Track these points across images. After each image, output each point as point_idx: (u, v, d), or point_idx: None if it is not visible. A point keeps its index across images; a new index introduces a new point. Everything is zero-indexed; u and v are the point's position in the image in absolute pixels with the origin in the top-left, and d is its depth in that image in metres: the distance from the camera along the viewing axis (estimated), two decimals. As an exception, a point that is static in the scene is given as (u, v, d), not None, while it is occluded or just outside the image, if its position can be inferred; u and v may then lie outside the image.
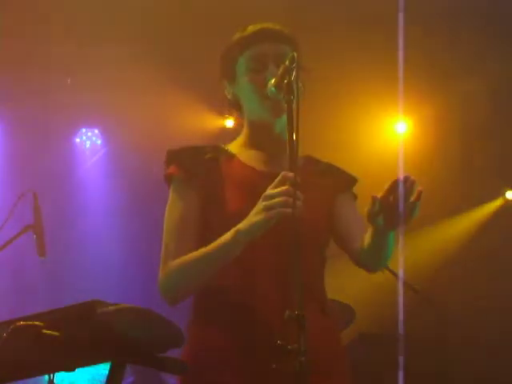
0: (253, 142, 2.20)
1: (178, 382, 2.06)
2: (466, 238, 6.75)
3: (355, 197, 2.29)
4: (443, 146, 6.25)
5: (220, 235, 1.97)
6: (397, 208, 1.86)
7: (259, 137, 2.19)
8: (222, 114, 2.39)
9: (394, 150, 6.09)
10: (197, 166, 2.12)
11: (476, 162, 6.21)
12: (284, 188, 1.86)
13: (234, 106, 2.25)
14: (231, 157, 2.17)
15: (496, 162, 6.20)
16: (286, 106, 1.92)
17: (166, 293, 2.04)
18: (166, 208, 2.13)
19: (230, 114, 2.30)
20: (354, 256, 2.15)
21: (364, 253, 2.07)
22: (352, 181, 2.29)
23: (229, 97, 2.23)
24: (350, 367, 2.12)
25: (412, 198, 1.85)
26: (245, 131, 2.24)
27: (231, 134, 2.30)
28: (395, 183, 1.85)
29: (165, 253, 2.07)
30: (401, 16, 5.08)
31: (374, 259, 2.10)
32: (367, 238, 2.03)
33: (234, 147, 2.22)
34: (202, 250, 1.99)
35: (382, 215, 1.89)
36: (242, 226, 1.92)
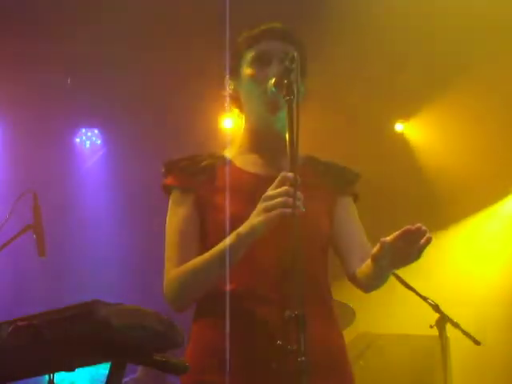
0: (250, 144, 2.20)
1: (179, 382, 2.07)
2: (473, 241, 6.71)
3: (356, 197, 2.28)
4: (443, 145, 6.25)
5: (220, 241, 1.97)
6: (403, 251, 1.84)
7: (257, 137, 2.18)
8: (223, 113, 2.41)
9: (394, 149, 6.10)
10: (194, 175, 2.14)
11: (478, 161, 6.20)
12: (284, 188, 1.86)
13: (235, 103, 2.25)
14: (228, 163, 2.17)
15: (498, 161, 6.20)
16: (283, 102, 1.93)
17: (171, 300, 2.04)
18: (167, 218, 2.15)
19: (230, 112, 2.30)
20: (348, 274, 2.14)
21: (360, 278, 2.08)
22: (353, 178, 2.27)
23: (230, 93, 2.24)
24: (352, 368, 2.12)
25: (421, 242, 1.82)
26: (242, 132, 2.23)
27: (230, 135, 2.30)
28: (406, 232, 1.82)
29: (168, 261, 2.08)
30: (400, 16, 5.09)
31: (370, 285, 2.09)
32: (366, 269, 2.02)
33: (230, 152, 2.22)
34: (205, 256, 2.00)
35: (387, 256, 1.87)
36: (242, 228, 1.92)
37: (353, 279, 2.13)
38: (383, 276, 2.01)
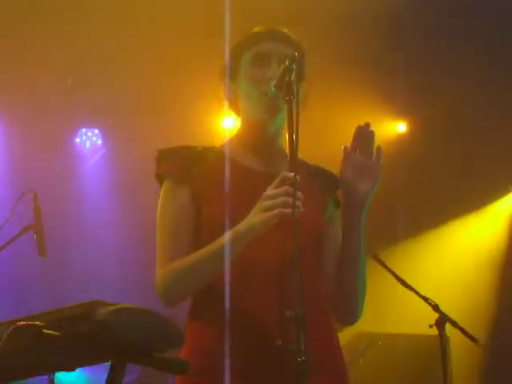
0: (246, 145, 2.18)
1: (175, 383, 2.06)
2: (476, 238, 6.72)
3: (340, 204, 2.28)
4: (444, 145, 6.25)
5: (213, 235, 1.96)
6: (364, 166, 2.06)
7: (252, 139, 2.17)
8: (223, 114, 2.41)
9: (394, 149, 6.09)
10: (189, 165, 2.11)
11: (477, 160, 6.21)
12: (284, 188, 1.86)
13: (233, 104, 2.24)
14: (223, 156, 2.15)
15: (498, 160, 6.20)
16: (282, 104, 1.93)
17: (164, 295, 2.03)
18: (158, 208, 2.11)
19: (229, 113, 2.29)
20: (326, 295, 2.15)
21: (337, 279, 2.12)
22: (338, 184, 2.28)
23: (228, 94, 2.22)
24: (348, 367, 2.12)
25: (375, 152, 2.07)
26: (238, 132, 2.22)
27: (230, 135, 2.29)
28: (358, 131, 2.06)
29: (161, 255, 2.06)
30: (400, 17, 5.09)
31: (348, 279, 2.11)
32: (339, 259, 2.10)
33: (226, 148, 2.20)
34: (201, 252, 1.99)
35: (352, 176, 2.05)
36: (240, 226, 1.91)
37: (333, 296, 2.13)
38: (356, 235, 2.08)
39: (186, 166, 2.11)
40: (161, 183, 2.15)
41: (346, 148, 2.07)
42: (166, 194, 2.12)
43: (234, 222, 1.94)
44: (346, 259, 2.11)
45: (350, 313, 2.16)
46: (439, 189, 6.38)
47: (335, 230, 2.21)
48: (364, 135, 2.08)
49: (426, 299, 3.97)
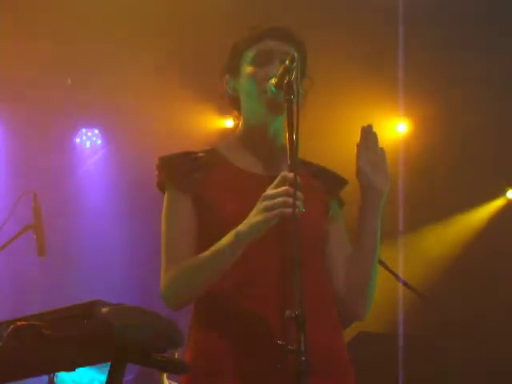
0: (246, 145, 2.18)
1: None
2: (468, 238, 6.75)
3: (343, 203, 2.28)
4: (443, 145, 6.26)
5: (217, 239, 1.96)
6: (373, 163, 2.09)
7: (252, 140, 2.16)
8: (223, 113, 2.40)
9: (394, 150, 6.10)
10: (189, 172, 2.11)
11: (476, 161, 6.21)
12: (284, 188, 1.86)
13: (234, 103, 2.23)
14: (224, 160, 2.15)
15: (496, 161, 6.21)
16: (284, 104, 1.93)
17: (169, 299, 2.04)
18: (162, 215, 2.12)
19: (230, 112, 2.29)
20: (337, 296, 2.14)
21: (350, 274, 2.12)
22: (343, 184, 2.28)
23: (229, 92, 2.21)
24: (352, 367, 2.11)
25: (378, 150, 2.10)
26: (239, 132, 2.21)
27: (230, 135, 2.29)
28: (363, 131, 2.10)
29: (165, 260, 2.07)
30: (401, 16, 5.09)
31: (358, 278, 2.11)
32: (352, 253, 2.12)
33: (226, 149, 2.20)
34: (203, 254, 1.98)
35: (369, 170, 2.08)
36: (241, 227, 1.91)
37: (346, 295, 2.13)
38: (373, 233, 2.09)
39: (186, 172, 2.11)
40: (162, 191, 2.16)
41: (358, 145, 2.09)
42: (168, 203, 2.13)
43: (236, 226, 1.94)
44: (361, 257, 2.11)
45: (360, 309, 2.16)
46: (439, 188, 6.39)
47: (340, 229, 2.21)
48: (369, 135, 2.10)
49: (425, 299, 3.97)
